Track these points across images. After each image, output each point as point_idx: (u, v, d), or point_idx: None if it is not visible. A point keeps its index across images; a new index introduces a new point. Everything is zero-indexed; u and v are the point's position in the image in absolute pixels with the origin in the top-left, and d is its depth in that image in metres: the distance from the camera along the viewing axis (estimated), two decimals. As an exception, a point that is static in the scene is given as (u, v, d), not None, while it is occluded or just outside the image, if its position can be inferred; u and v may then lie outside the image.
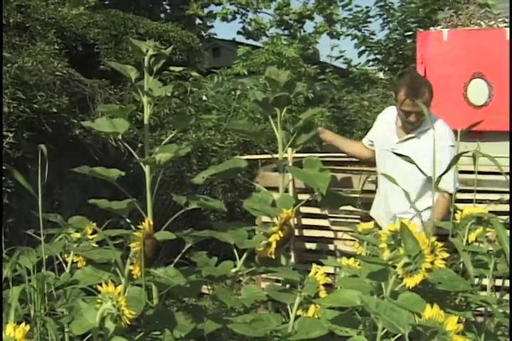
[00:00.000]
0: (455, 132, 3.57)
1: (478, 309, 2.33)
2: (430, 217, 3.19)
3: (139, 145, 4.11)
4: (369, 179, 3.76)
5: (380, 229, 2.85)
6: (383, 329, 1.78)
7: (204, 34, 16.08)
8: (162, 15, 14.56)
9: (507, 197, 3.82)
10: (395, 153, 3.00)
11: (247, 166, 4.04)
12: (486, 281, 2.34)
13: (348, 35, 12.38)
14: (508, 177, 2.99)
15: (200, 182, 2.99)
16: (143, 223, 2.23)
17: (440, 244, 2.35)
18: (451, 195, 3.41)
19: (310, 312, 2.17)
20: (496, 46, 4.39)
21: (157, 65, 2.67)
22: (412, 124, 3.52)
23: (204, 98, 6.71)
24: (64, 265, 2.52)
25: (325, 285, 2.28)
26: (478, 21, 4.86)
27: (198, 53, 7.80)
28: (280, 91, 3.11)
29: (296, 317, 2.19)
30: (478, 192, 3.79)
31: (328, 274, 2.41)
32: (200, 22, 16.74)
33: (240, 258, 2.64)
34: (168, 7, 15.65)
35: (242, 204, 3.02)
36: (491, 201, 3.85)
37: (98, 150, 4.86)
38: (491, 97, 4.34)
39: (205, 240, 2.69)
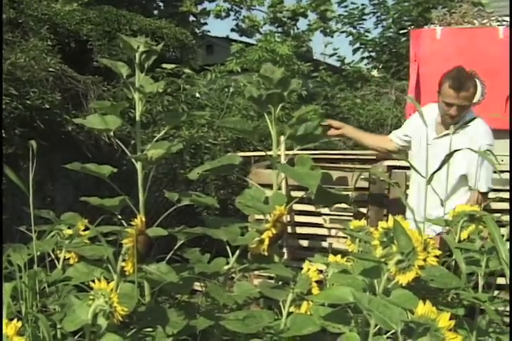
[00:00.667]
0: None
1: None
2: None
3: (132, 142, 4.10)
4: (361, 176, 3.75)
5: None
6: (376, 326, 1.78)
7: (197, 31, 16.06)
8: (155, 12, 14.54)
9: (502, 195, 3.83)
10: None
11: (241, 163, 4.05)
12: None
13: (342, 32, 12.41)
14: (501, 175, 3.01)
15: (194, 178, 2.99)
16: (135, 219, 2.22)
17: (433, 242, 2.37)
18: (484, 193, 3.46)
19: (302, 309, 2.17)
20: (488, 44, 4.40)
21: (148, 62, 2.67)
22: (452, 118, 3.47)
23: (197, 95, 6.70)
24: (56, 261, 2.52)
25: (318, 282, 2.29)
26: (472, 20, 4.87)
27: (191, 50, 7.80)
28: (274, 88, 3.10)
29: (289, 313, 2.18)
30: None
31: (320, 271, 2.41)
32: (194, 19, 16.73)
33: (232, 255, 2.64)
34: (161, 4, 15.64)
35: (235, 201, 3.02)
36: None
37: (91, 146, 4.86)
38: (484, 95, 4.34)
39: (198, 237, 2.69)
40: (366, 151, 4.45)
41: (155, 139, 2.76)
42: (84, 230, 2.53)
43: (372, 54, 11.85)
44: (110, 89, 5.65)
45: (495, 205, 3.63)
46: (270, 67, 3.15)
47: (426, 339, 1.35)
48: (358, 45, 11.93)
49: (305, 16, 16.86)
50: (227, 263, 2.63)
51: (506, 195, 3.58)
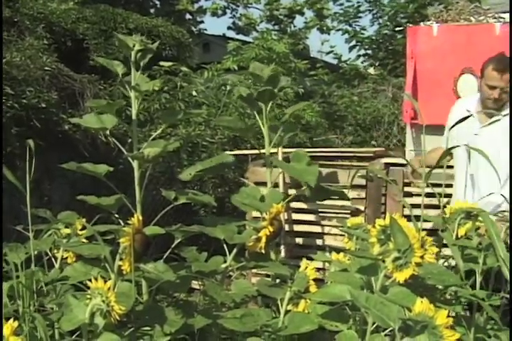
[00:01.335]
0: (443, 127, 3.58)
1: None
2: None
3: (129, 140, 4.10)
4: (358, 174, 3.75)
5: None
6: (373, 323, 1.78)
7: (194, 29, 16.04)
8: (152, 11, 14.52)
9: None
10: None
11: (238, 161, 4.04)
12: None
13: (338, 29, 12.42)
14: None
15: (186, 179, 2.98)
16: (132, 218, 2.22)
17: (430, 239, 2.37)
18: None
19: (300, 307, 2.16)
20: (485, 41, 4.39)
21: (144, 60, 2.66)
22: (496, 101, 3.42)
23: (194, 93, 6.69)
24: (53, 261, 2.51)
25: (315, 280, 2.28)
26: (468, 17, 4.86)
27: (188, 48, 7.78)
28: (264, 85, 3.11)
29: (287, 312, 2.18)
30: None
31: (317, 269, 2.41)
32: (190, 17, 16.71)
33: (229, 253, 2.64)
34: (157, 2, 15.62)
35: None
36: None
37: (87, 145, 4.85)
38: (481, 92, 4.34)
39: (196, 235, 2.69)
40: (363, 149, 4.46)
41: (151, 138, 2.76)
42: (81, 229, 2.53)
43: (369, 51, 11.86)
44: (107, 88, 5.64)
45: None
46: (259, 65, 3.15)
47: (424, 336, 1.34)
48: (354, 42, 11.95)
49: (301, 14, 16.85)
50: (225, 262, 2.63)
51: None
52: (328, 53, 13.08)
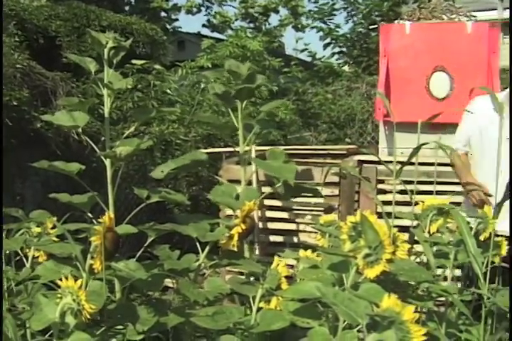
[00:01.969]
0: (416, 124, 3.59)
1: (441, 299, 2.36)
2: None
3: (102, 138, 4.07)
4: (332, 171, 3.77)
5: None
6: (345, 320, 1.79)
7: (168, 27, 15.99)
8: (126, 8, 14.44)
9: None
10: None
11: (212, 159, 4.03)
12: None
13: (313, 27, 12.45)
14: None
15: (159, 177, 2.97)
16: (103, 217, 2.21)
17: (401, 235, 2.39)
18: None
19: (272, 305, 2.17)
20: (457, 39, 4.43)
21: (117, 58, 2.65)
22: None
23: (169, 91, 6.66)
24: (25, 260, 2.49)
25: (288, 277, 2.29)
26: (440, 15, 4.89)
27: (162, 46, 7.75)
28: (242, 83, 3.10)
29: (259, 309, 2.19)
30: (440, 183, 3.83)
31: (291, 266, 2.42)
32: (165, 15, 16.65)
33: (202, 251, 2.64)
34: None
35: (207, 198, 3.01)
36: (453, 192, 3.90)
37: (60, 143, 4.81)
38: (453, 90, 4.38)
39: (170, 234, 2.68)
40: (337, 146, 4.48)
41: (124, 136, 2.75)
42: (52, 228, 2.51)
43: (343, 49, 11.92)
44: (80, 86, 5.60)
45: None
46: (234, 63, 3.15)
47: (391, 332, 1.35)
48: (328, 40, 12.00)
49: (276, 12, 16.86)
50: (197, 260, 2.63)
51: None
52: (302, 51, 13.14)
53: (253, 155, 3.83)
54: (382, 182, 3.99)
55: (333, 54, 12.06)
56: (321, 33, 12.10)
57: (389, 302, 1.42)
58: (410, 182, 3.53)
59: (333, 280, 1.96)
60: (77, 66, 2.88)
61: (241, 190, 3.03)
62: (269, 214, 4.22)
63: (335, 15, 12.28)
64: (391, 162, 2.64)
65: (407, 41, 4.48)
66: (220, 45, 8.57)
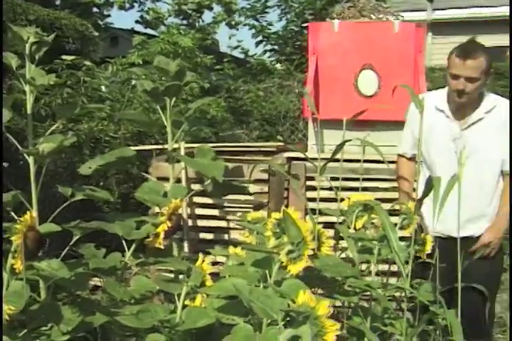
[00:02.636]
0: (338, 121, 3.61)
1: (368, 294, 2.40)
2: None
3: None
4: (261, 168, 3.79)
5: None
6: (269, 316, 1.80)
7: (101, 23, 15.76)
8: (58, 3, 14.17)
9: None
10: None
11: (142, 157, 3.99)
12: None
13: (245, 24, 12.47)
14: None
15: (86, 173, 2.93)
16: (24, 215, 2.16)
17: (326, 232, 2.42)
18: None
19: (197, 302, 2.17)
20: (384, 38, 4.50)
21: (39, 53, 2.60)
22: (460, 94, 3.03)
23: (103, 88, 6.56)
24: None
25: (215, 274, 2.29)
26: (369, 14, 4.96)
27: (93, 42, 7.66)
28: (171, 80, 3.09)
29: (185, 306, 2.18)
30: (367, 180, 3.90)
31: (223, 264, 2.42)
32: (97, 10, 16.40)
33: (129, 249, 2.61)
34: (63, -6, 15.25)
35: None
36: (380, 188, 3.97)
37: (-16, 141, 4.68)
38: (380, 88, 4.45)
39: (98, 232, 2.64)
40: (267, 143, 4.50)
41: (48, 132, 2.70)
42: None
43: (276, 47, 11.97)
44: (6, 82, 5.46)
45: (390, 195, 3.74)
46: (163, 60, 3.13)
47: (306, 327, 1.37)
48: (261, 37, 12.04)
49: (210, 9, 16.81)
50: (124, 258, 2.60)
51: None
52: (235, 48, 13.14)
53: (182, 152, 3.81)
54: (311, 179, 4.03)
55: (265, 51, 12.11)
56: (253, 31, 12.15)
57: (304, 297, 1.43)
58: (347, 179, 3.59)
59: (258, 276, 1.97)
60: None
61: (169, 187, 3.02)
62: (199, 211, 4.20)
63: (267, 12, 12.33)
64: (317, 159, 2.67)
65: (335, 39, 4.52)
66: (151, 42, 8.50)
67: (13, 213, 2.52)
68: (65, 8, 9.07)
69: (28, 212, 2.20)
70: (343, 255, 2.59)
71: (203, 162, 3.10)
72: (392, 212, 2.52)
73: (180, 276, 2.65)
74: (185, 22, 16.54)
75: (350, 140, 2.54)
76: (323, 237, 2.39)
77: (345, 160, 3.27)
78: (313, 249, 1.81)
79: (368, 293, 2.35)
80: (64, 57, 5.93)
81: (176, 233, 3.43)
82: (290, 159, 4.12)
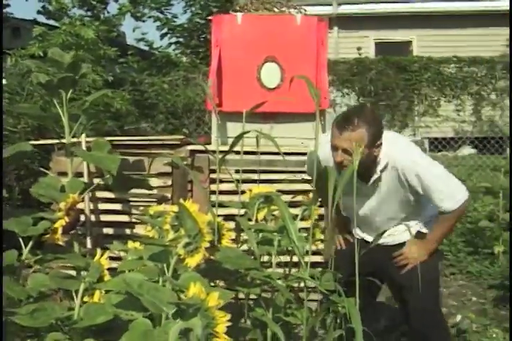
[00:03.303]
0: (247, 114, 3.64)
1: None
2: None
3: None
4: (165, 161, 3.76)
5: None
6: (168, 310, 1.78)
7: (-1, 12, 15.20)
8: None
9: (299, 176, 4.00)
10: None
11: (44, 152, 3.87)
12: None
13: (150, 17, 12.34)
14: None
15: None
16: None
17: (227, 224, 2.43)
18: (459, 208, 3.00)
19: (95, 298, 2.13)
20: (286, 31, 4.54)
21: None
22: (341, 167, 2.80)
23: (4, 81, 6.34)
24: None
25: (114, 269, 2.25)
26: (271, 7, 4.99)
27: (-9, 32, 7.36)
28: (65, 72, 3.01)
29: (83, 303, 2.14)
30: (270, 172, 3.94)
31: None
32: (-5, 0, 15.83)
33: (26, 246, 2.54)
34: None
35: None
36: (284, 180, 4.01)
37: None
38: (283, 80, 4.48)
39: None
40: (171, 136, 4.46)
41: None
42: None
43: (181, 39, 11.91)
44: None
45: (291, 186, 3.78)
46: (57, 52, 3.04)
47: (196, 319, 1.36)
48: (165, 30, 11.95)
49: (115, 0, 16.50)
50: (21, 255, 2.52)
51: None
52: (140, 40, 12.95)
53: (84, 146, 3.73)
54: (215, 171, 4.03)
55: (171, 44, 12.03)
56: (158, 23, 12.03)
57: (195, 289, 1.43)
58: (251, 172, 3.60)
59: (157, 270, 1.95)
60: None
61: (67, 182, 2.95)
62: (103, 206, 4.14)
63: (172, 5, 12.22)
64: (219, 151, 2.67)
65: (238, 32, 4.53)
66: (53, 33, 8.26)
67: None
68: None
69: None
70: (245, 247, 2.60)
71: (99, 155, 3.03)
72: (292, 204, 2.56)
73: (84, 273, 2.61)
74: (90, 13, 16.17)
75: (249, 132, 2.54)
76: (224, 229, 2.39)
77: (247, 153, 3.28)
78: (213, 242, 1.81)
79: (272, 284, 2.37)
80: (-44, 49, 5.70)
81: (78, 228, 3.37)
82: (194, 152, 4.11)
